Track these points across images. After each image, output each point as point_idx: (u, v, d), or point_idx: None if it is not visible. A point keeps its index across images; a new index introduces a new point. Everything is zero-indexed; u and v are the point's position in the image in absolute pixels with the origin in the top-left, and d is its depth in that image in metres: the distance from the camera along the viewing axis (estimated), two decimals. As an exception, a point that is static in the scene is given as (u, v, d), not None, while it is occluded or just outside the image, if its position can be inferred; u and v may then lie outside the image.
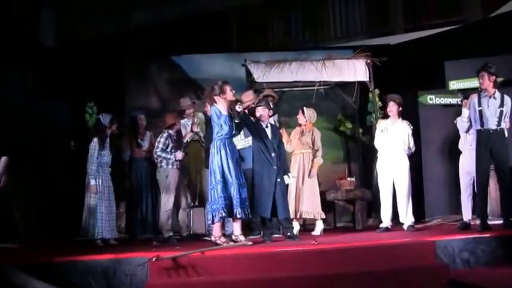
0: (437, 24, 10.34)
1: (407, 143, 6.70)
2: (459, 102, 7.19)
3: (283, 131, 6.87)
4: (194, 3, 11.10)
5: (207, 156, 6.10)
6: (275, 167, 5.99)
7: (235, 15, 11.73)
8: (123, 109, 9.04)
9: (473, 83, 7.34)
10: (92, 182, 6.57)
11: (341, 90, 8.72)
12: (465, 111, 6.29)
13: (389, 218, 6.72)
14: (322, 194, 7.07)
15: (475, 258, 5.25)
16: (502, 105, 5.99)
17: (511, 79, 7.37)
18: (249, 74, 7.88)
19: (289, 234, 6.03)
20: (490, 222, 6.14)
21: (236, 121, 5.84)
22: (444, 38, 9.45)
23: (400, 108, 6.74)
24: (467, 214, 6.42)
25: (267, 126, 6.17)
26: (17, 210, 7.07)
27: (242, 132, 6.26)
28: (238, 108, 5.81)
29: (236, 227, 5.75)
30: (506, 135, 6.06)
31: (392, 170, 6.68)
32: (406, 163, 6.68)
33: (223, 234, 5.85)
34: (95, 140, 6.65)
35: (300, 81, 7.92)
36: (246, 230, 6.26)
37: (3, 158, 6.15)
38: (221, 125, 5.70)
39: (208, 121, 6.60)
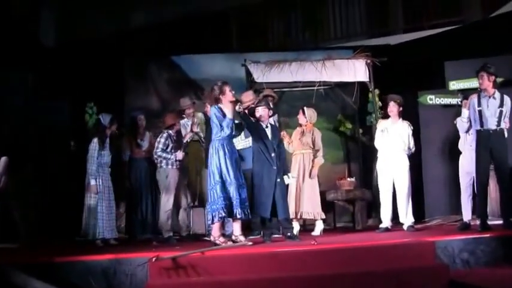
0: (437, 25, 10.34)
1: (407, 143, 6.70)
2: (459, 103, 7.20)
3: (284, 134, 6.88)
4: (194, 3, 11.10)
5: (207, 157, 6.10)
6: (275, 167, 5.99)
7: (235, 15, 11.73)
8: (123, 109, 9.04)
9: (473, 83, 7.34)
10: (92, 182, 6.57)
11: (341, 90, 8.72)
12: (465, 112, 6.29)
13: (389, 218, 6.72)
14: (322, 194, 7.07)
15: (475, 258, 5.25)
16: (501, 105, 5.99)
17: (511, 79, 7.37)
18: (249, 74, 7.88)
19: (289, 234, 6.03)
20: (489, 223, 6.14)
21: (236, 122, 5.83)
22: (444, 38, 9.45)
23: (401, 109, 6.75)
24: (467, 214, 6.42)
25: (267, 127, 6.16)
26: (17, 210, 7.08)
27: (242, 133, 6.26)
28: (238, 108, 5.81)
29: (236, 227, 5.75)
30: (506, 135, 6.06)
31: (392, 170, 6.68)
32: (406, 163, 6.68)
33: (223, 234, 5.85)
34: (95, 140, 6.65)
35: (299, 82, 7.92)
36: (246, 230, 6.25)
37: (3, 158, 6.15)
38: (222, 127, 5.68)
39: (208, 121, 6.60)
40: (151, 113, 8.60)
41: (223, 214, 5.57)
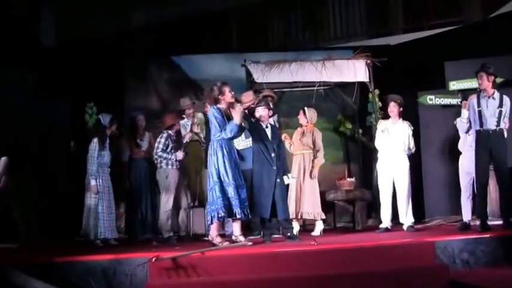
0: (437, 25, 10.34)
1: (407, 144, 6.70)
2: (459, 103, 7.20)
3: (286, 136, 6.89)
4: (194, 3, 11.11)
5: (207, 157, 6.10)
6: (275, 168, 5.99)
7: (235, 15, 11.73)
8: (123, 109, 9.04)
9: (473, 83, 7.32)
10: (93, 182, 6.57)
11: (341, 90, 8.72)
12: (464, 112, 6.29)
13: (389, 218, 6.72)
14: (322, 194, 7.06)
15: (475, 258, 5.25)
16: (501, 105, 5.99)
17: (511, 80, 7.37)
18: (248, 74, 7.88)
19: (289, 234, 6.03)
20: (489, 223, 6.13)
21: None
22: (444, 38, 9.45)
23: (401, 109, 6.75)
24: (467, 215, 6.42)
25: (266, 127, 6.16)
26: (17, 210, 7.08)
27: (243, 133, 6.25)
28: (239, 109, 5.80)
29: (236, 228, 5.74)
30: (506, 135, 6.06)
31: (392, 170, 6.68)
32: (406, 163, 6.68)
33: (223, 235, 5.85)
34: (95, 140, 6.65)
35: (299, 82, 7.91)
36: (246, 230, 6.26)
37: (3, 158, 6.14)
38: (225, 129, 5.63)
39: (208, 121, 6.60)
40: (151, 113, 8.59)
41: (222, 214, 5.57)
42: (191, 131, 7.19)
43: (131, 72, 9.66)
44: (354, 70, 7.91)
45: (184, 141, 7.08)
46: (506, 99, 6.03)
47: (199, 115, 7.57)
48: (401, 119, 6.77)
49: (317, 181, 6.89)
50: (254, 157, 6.13)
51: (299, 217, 6.77)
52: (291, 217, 6.44)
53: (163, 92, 9.57)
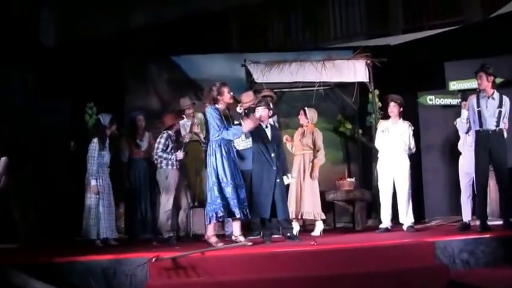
0: (437, 25, 10.35)
1: (407, 144, 6.70)
2: (459, 103, 7.20)
3: (288, 138, 6.88)
4: (194, 3, 11.11)
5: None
6: (274, 168, 5.98)
7: (235, 15, 11.73)
8: (123, 109, 9.04)
9: (473, 83, 7.29)
10: (93, 182, 6.57)
11: (341, 90, 8.72)
12: (464, 112, 6.30)
13: (389, 218, 6.72)
14: (322, 195, 7.06)
15: (475, 259, 5.25)
16: (500, 105, 5.99)
17: (511, 80, 7.37)
18: (248, 74, 7.88)
19: (288, 234, 6.03)
20: (489, 223, 6.14)
21: (236, 122, 5.83)
22: (444, 38, 9.45)
23: (401, 109, 6.75)
24: (467, 215, 6.42)
25: (266, 127, 6.16)
26: (17, 210, 7.08)
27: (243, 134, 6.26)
28: (239, 109, 5.80)
29: (235, 228, 5.75)
30: (505, 135, 6.06)
31: (392, 170, 6.68)
32: (406, 163, 6.68)
33: (222, 235, 5.85)
34: (95, 140, 6.65)
35: (299, 82, 7.92)
36: (246, 230, 6.26)
37: (3, 158, 6.15)
38: (227, 129, 5.62)
39: (207, 122, 6.60)
40: (151, 113, 8.60)
41: (221, 214, 5.58)
42: (191, 131, 7.19)
43: (131, 73, 9.66)
44: (354, 70, 7.91)
45: (185, 142, 7.07)
46: (505, 99, 6.03)
47: (199, 115, 7.56)
48: (401, 119, 6.77)
49: (317, 181, 6.89)
50: (254, 157, 6.12)
51: (299, 217, 6.77)
52: (291, 217, 6.44)
53: (163, 92, 9.57)
